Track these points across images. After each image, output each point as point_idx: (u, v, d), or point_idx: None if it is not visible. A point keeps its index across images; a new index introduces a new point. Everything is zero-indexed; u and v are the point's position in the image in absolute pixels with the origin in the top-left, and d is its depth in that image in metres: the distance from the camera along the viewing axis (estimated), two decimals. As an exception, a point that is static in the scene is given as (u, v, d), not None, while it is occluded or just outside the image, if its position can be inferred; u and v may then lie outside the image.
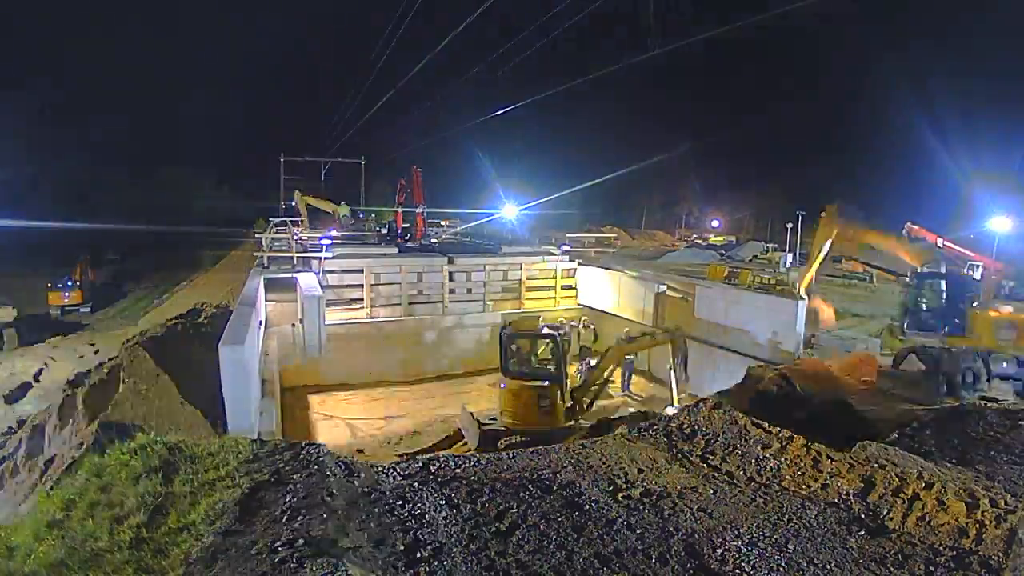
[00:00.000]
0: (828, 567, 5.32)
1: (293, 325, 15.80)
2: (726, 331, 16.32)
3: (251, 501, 5.08)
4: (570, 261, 22.61)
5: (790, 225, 48.99)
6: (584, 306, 21.66)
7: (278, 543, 4.38)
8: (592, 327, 17.84)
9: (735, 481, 7.07)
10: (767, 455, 7.39)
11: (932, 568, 5.30)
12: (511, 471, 6.94)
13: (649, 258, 46.50)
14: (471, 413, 13.40)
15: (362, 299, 18.80)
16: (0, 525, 6.46)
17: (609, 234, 29.88)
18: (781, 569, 5.27)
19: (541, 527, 5.65)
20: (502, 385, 13.00)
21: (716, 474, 7.30)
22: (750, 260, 51.70)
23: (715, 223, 75.75)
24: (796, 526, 6.00)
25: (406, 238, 24.44)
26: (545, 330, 13.39)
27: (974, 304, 13.79)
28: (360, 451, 12.99)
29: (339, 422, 15.44)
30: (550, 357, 13.19)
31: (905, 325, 14.70)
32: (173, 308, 27.40)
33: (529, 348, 13.43)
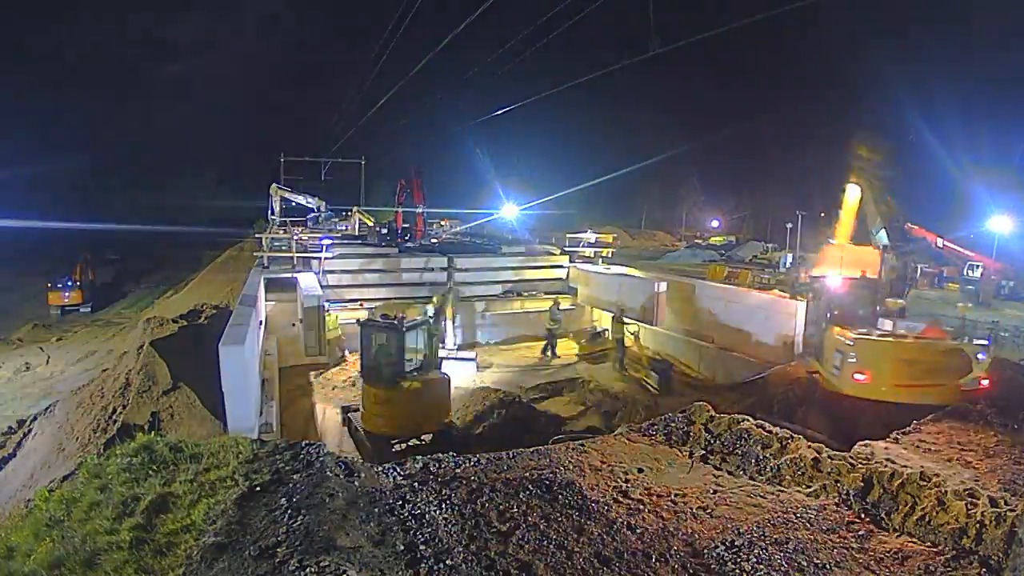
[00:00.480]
0: (828, 567, 5.32)
1: (293, 325, 15.81)
2: (726, 331, 16.32)
3: (251, 501, 5.09)
4: (570, 261, 22.61)
5: (789, 225, 49.03)
6: (584, 306, 21.68)
7: (278, 543, 4.38)
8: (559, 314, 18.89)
9: (735, 481, 7.07)
10: (767, 455, 7.39)
11: (932, 568, 5.31)
12: (511, 471, 6.94)
13: (649, 258, 46.55)
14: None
15: (362, 299, 18.80)
16: (0, 525, 6.47)
17: (609, 234, 29.80)
18: (781, 569, 5.27)
19: (541, 527, 5.65)
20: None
21: (716, 474, 7.30)
22: (750, 260, 51.76)
23: (715, 223, 75.84)
24: (796, 526, 6.00)
25: (406, 238, 24.44)
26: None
27: None
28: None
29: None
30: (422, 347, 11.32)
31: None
32: (174, 308, 27.39)
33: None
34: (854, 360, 10.51)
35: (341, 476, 5.77)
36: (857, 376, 10.40)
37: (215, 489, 5.26)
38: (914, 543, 5.71)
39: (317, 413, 13.08)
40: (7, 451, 12.88)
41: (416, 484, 6.28)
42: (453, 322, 17.71)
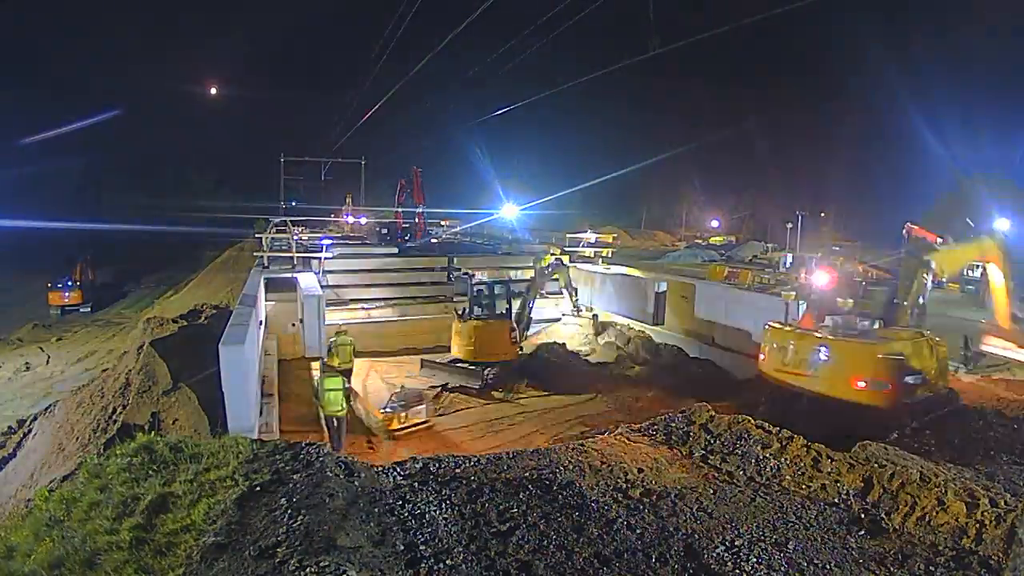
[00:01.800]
0: (828, 567, 5.32)
1: (293, 325, 15.80)
2: (726, 331, 16.31)
3: (251, 501, 5.08)
4: (570, 261, 22.59)
5: (790, 225, 49.04)
6: (584, 306, 21.66)
7: (278, 543, 4.38)
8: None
9: (735, 481, 7.07)
10: (767, 455, 7.39)
11: (932, 568, 5.30)
12: (511, 471, 6.94)
13: (649, 258, 46.55)
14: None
15: (362, 299, 18.81)
16: (0, 525, 6.47)
17: (609, 234, 29.79)
18: (781, 569, 5.26)
19: (541, 527, 5.65)
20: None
21: (716, 474, 7.30)
22: (750, 260, 51.71)
23: (715, 223, 75.84)
24: (796, 526, 6.00)
25: (406, 239, 24.45)
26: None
27: None
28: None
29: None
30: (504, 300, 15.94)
31: None
32: (174, 308, 27.39)
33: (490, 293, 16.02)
34: None
35: (341, 476, 5.77)
36: None
37: (215, 489, 5.26)
38: (914, 543, 5.71)
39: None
40: (7, 451, 12.90)
41: (416, 484, 6.28)
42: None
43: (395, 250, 21.47)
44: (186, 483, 5.42)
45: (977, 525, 5.67)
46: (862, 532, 5.92)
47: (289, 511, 4.85)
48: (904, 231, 12.89)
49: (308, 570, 4.02)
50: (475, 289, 15.67)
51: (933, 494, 6.14)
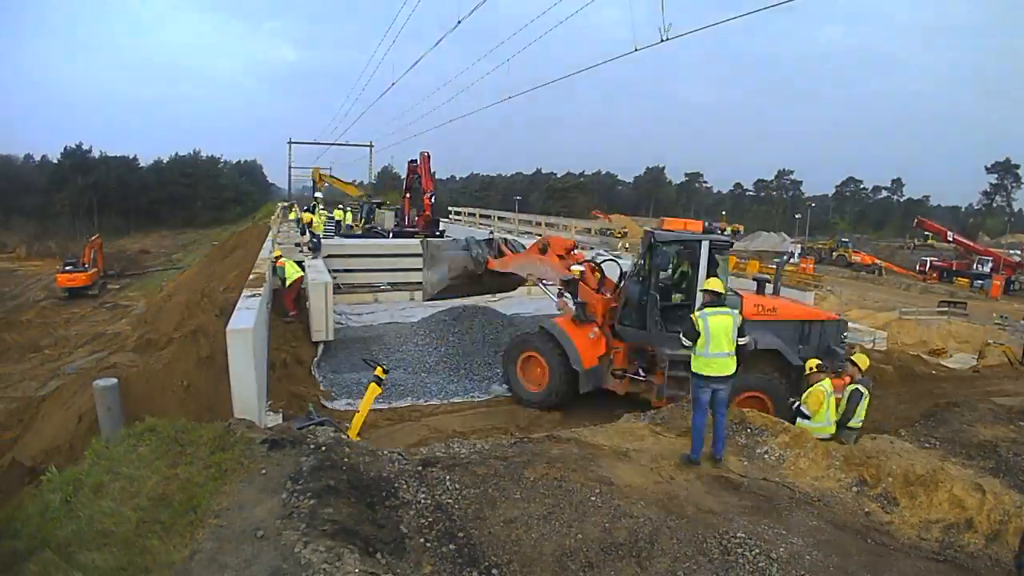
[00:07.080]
0: (828, 565, 5.31)
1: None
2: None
3: (256, 483, 5.13)
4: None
5: (798, 216, 48.80)
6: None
7: (283, 526, 4.43)
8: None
9: (737, 474, 7.06)
10: (769, 451, 7.37)
11: (932, 567, 5.30)
12: (516, 458, 6.94)
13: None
14: None
15: (367, 286, 18.89)
16: (7, 504, 6.55)
17: (617, 224, 29.67)
18: (781, 568, 5.25)
19: (541, 525, 5.64)
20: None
21: (718, 467, 7.28)
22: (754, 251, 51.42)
23: (723, 212, 75.53)
24: (797, 525, 5.98)
25: (412, 225, 24.44)
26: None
27: None
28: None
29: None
30: None
31: None
32: (181, 292, 27.52)
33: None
34: None
35: (346, 459, 5.80)
36: None
37: (220, 472, 5.30)
38: (915, 542, 5.70)
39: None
40: (15, 433, 13.00)
41: (420, 469, 6.30)
42: None
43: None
44: (191, 466, 5.46)
45: (984, 521, 5.66)
46: (863, 530, 5.91)
47: (295, 493, 4.89)
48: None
49: (312, 552, 4.06)
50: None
51: (935, 491, 6.12)
